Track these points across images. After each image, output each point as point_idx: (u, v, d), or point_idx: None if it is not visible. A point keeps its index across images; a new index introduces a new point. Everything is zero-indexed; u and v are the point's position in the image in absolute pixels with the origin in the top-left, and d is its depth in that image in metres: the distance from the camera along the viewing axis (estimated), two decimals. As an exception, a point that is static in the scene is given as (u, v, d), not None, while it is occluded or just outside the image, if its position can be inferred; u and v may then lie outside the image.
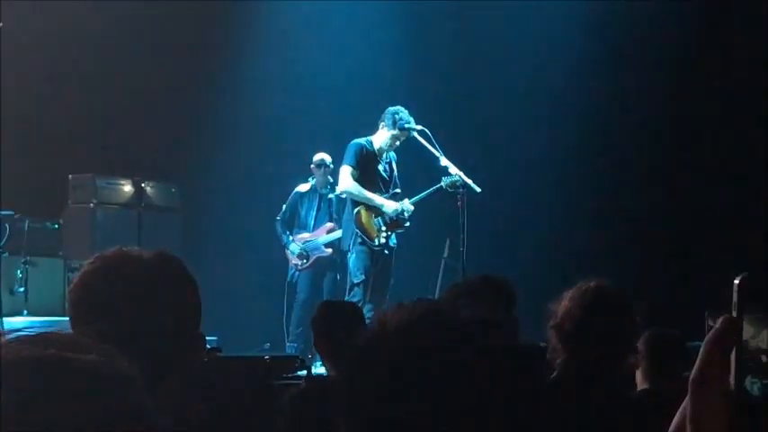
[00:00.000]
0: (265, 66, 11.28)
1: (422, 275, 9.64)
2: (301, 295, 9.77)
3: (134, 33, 10.95)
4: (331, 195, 9.76)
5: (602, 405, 3.23)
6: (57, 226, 9.89)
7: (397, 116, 8.62)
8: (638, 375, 4.23)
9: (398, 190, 8.87)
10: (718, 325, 1.10)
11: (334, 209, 9.77)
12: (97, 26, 10.89)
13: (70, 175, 10.26)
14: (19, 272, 9.33)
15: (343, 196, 9.14)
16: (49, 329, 1.15)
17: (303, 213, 9.88)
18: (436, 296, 7.38)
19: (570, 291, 3.30)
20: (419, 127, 8.58)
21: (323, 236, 9.76)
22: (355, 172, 8.66)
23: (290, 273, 9.87)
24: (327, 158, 9.73)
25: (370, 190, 8.71)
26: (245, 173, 11.15)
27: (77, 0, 10.69)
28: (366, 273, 8.56)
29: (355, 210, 8.72)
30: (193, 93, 11.18)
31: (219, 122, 11.21)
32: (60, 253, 9.74)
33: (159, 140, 10.99)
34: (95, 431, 1.05)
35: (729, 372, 1.07)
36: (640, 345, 3.96)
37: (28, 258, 9.39)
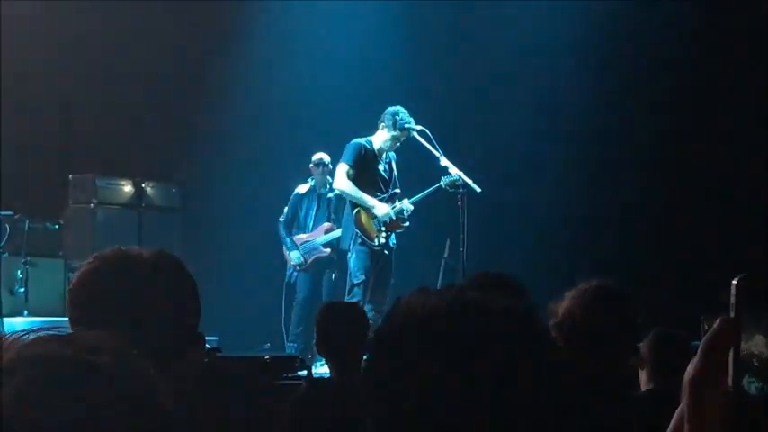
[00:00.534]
0: (266, 66, 11.28)
1: (422, 276, 9.64)
2: (300, 295, 9.77)
3: (135, 33, 10.95)
4: (330, 195, 9.76)
5: (603, 405, 3.23)
6: (57, 226, 9.89)
7: (396, 116, 8.62)
8: (642, 376, 4.23)
9: (398, 190, 8.87)
10: (715, 325, 1.10)
11: (333, 208, 9.77)
12: (98, 26, 10.89)
13: (70, 176, 10.26)
14: (19, 272, 9.33)
15: (337, 193, 9.15)
16: (59, 329, 1.15)
17: (302, 214, 9.88)
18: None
19: (571, 290, 3.31)
20: (419, 127, 8.57)
21: (321, 236, 9.76)
22: (351, 171, 8.65)
23: (289, 273, 9.87)
24: (326, 158, 9.72)
25: (369, 190, 8.70)
26: (245, 174, 11.15)
27: (82, 0, 10.69)
28: (366, 273, 8.56)
29: (355, 210, 8.72)
30: (194, 93, 11.17)
31: (220, 123, 11.21)
32: (60, 253, 9.74)
33: (160, 141, 10.99)
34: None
35: (727, 372, 1.08)
36: (644, 345, 3.96)
37: (28, 259, 9.38)
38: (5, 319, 8.60)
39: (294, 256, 9.76)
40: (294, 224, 9.89)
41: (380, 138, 8.73)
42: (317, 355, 9.17)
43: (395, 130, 8.61)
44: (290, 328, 9.72)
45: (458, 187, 8.36)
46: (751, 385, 1.06)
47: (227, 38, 11.36)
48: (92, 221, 9.98)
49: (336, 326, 4.43)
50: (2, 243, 9.29)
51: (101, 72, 10.96)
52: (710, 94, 10.18)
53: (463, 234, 8.25)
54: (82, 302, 2.05)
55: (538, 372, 1.25)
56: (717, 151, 10.06)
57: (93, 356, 1.08)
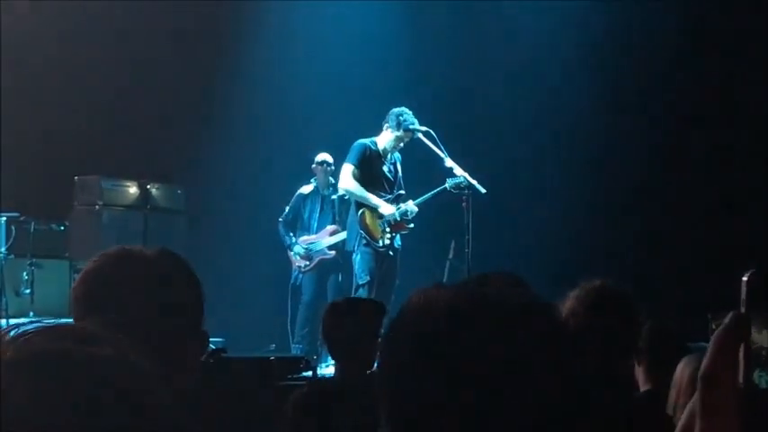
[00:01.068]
0: (270, 67, 11.29)
1: (427, 277, 9.63)
2: (306, 297, 9.77)
3: (140, 35, 10.96)
4: (334, 196, 9.76)
5: (606, 406, 3.23)
6: (63, 228, 9.90)
7: (400, 117, 8.62)
8: (639, 373, 4.22)
9: (402, 191, 8.87)
10: (726, 320, 1.10)
11: (337, 210, 9.76)
12: (103, 27, 10.90)
13: (76, 177, 10.27)
14: (25, 273, 9.34)
15: (346, 196, 9.15)
16: (60, 321, 1.14)
17: (306, 215, 9.88)
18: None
19: (575, 290, 3.30)
20: (424, 128, 8.57)
21: (326, 238, 9.76)
22: (356, 171, 8.66)
23: (294, 275, 9.88)
24: (329, 158, 9.73)
25: (374, 190, 8.71)
26: (250, 175, 11.16)
27: (83, 0, 10.70)
28: (371, 274, 8.56)
29: (359, 211, 8.72)
30: (199, 95, 11.18)
31: (225, 125, 11.22)
32: (66, 254, 9.74)
33: (165, 142, 10.99)
34: (111, 429, 1.04)
35: (738, 366, 1.08)
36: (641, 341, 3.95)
37: (34, 260, 9.39)
38: (11, 321, 8.60)
39: (296, 250, 9.77)
40: (295, 224, 9.89)
41: (385, 138, 8.74)
42: (323, 356, 9.21)
43: (399, 130, 8.62)
44: (296, 329, 9.72)
45: (463, 189, 8.35)
46: (761, 379, 1.06)
47: (232, 39, 11.37)
48: (97, 223, 9.98)
49: (341, 326, 4.42)
50: (8, 244, 9.30)
51: (106, 73, 10.97)
52: (713, 92, 10.17)
53: (468, 235, 8.24)
54: (85, 301, 2.05)
55: (557, 366, 1.24)
56: (722, 151, 10.05)
57: (94, 348, 1.08)
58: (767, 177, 9.17)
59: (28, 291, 9.31)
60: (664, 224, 10.35)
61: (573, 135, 10.61)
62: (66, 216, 10.09)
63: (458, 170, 8.39)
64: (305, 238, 9.82)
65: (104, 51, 10.97)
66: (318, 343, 9.62)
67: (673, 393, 3.95)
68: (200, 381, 2.16)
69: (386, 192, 8.77)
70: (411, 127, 8.57)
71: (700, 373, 1.10)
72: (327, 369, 7.91)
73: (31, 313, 9.14)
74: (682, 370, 3.98)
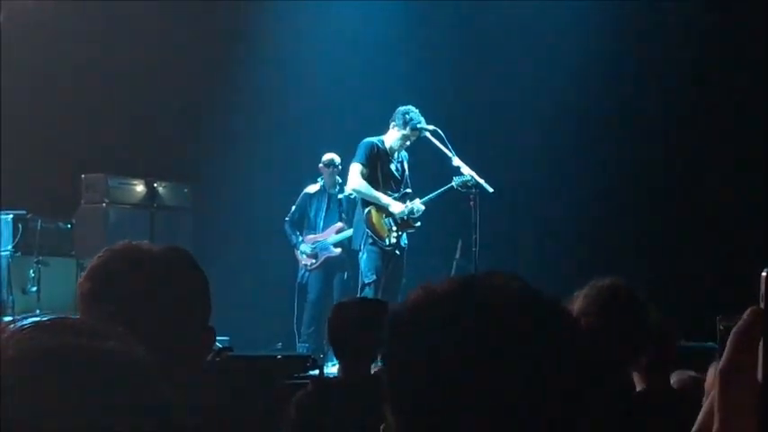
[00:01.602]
0: (277, 66, 11.29)
1: (434, 276, 9.62)
2: (312, 295, 9.78)
3: (147, 33, 10.96)
4: (340, 195, 9.76)
5: (613, 406, 3.22)
6: (69, 226, 9.92)
7: (407, 116, 8.61)
8: (636, 375, 4.21)
9: (409, 190, 8.86)
10: (745, 316, 1.09)
11: (344, 209, 9.77)
12: (111, 26, 10.92)
13: (83, 175, 10.28)
14: (31, 271, 9.36)
15: (352, 196, 9.15)
16: (62, 315, 1.13)
17: (312, 214, 9.88)
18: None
19: (583, 290, 3.28)
20: (431, 127, 8.56)
21: (332, 236, 9.77)
22: (365, 170, 8.65)
23: (300, 273, 9.88)
24: (336, 158, 9.73)
25: (381, 189, 8.70)
26: (256, 174, 11.16)
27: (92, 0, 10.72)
28: (377, 273, 8.56)
29: (366, 210, 8.71)
30: (206, 93, 11.19)
31: (232, 123, 11.23)
32: (73, 253, 9.76)
33: (172, 141, 11.01)
34: (116, 426, 1.03)
35: (757, 363, 1.06)
36: None
37: (40, 258, 9.41)
38: (18, 319, 8.60)
39: (303, 248, 9.78)
40: (301, 224, 9.90)
41: (391, 137, 8.73)
42: (329, 355, 9.21)
43: (405, 129, 8.60)
44: (302, 328, 9.73)
45: (470, 187, 8.34)
46: None
47: (239, 37, 11.38)
48: (104, 221, 9.99)
49: (347, 325, 4.41)
50: (14, 242, 9.31)
51: (113, 72, 10.98)
52: (718, 93, 10.15)
53: (476, 234, 8.23)
54: (91, 296, 2.04)
55: (561, 359, 1.22)
56: (729, 150, 10.03)
57: (97, 342, 1.06)
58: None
59: (34, 289, 9.33)
60: (673, 224, 10.33)
61: (581, 134, 10.60)
62: (72, 214, 10.10)
63: (465, 169, 8.38)
64: (311, 236, 9.83)
65: (111, 49, 10.99)
66: (324, 342, 9.62)
67: (708, 398, 3.92)
68: (206, 378, 2.15)
69: (393, 190, 8.77)
70: (418, 126, 8.56)
71: (718, 370, 1.08)
72: (334, 368, 7.90)
73: (38, 311, 9.10)
74: (712, 374, 3.96)
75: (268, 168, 11.05)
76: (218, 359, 6.40)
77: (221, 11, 11.23)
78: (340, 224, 9.77)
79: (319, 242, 9.79)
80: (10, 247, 9.30)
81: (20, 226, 9.36)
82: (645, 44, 10.57)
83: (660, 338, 4.25)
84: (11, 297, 9.15)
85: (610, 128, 10.60)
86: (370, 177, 8.67)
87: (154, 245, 2.13)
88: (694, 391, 3.75)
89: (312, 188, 9.92)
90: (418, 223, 8.79)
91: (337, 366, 6.41)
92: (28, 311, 8.98)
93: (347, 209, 9.67)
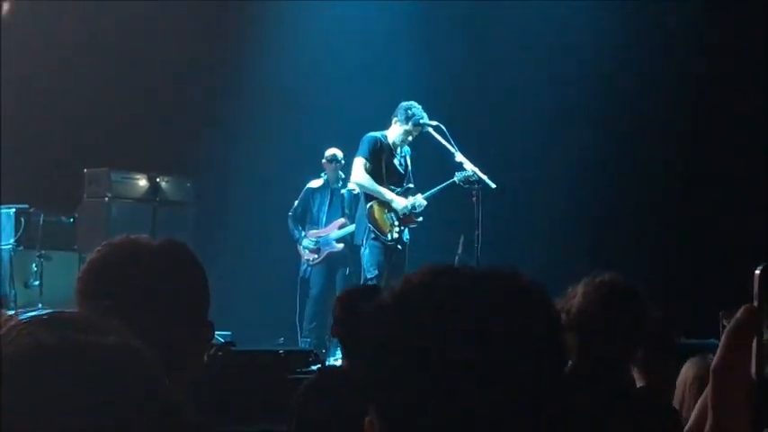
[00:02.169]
0: (280, 62, 11.28)
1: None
2: (314, 290, 9.78)
3: (150, 28, 10.96)
4: (343, 191, 9.76)
5: (613, 402, 3.22)
6: (72, 220, 9.93)
7: (409, 111, 8.60)
8: (635, 371, 4.21)
9: (411, 185, 8.85)
10: (738, 314, 1.09)
11: (347, 204, 9.76)
12: (113, 21, 10.91)
13: (85, 170, 10.29)
14: (34, 265, 9.37)
15: (355, 191, 9.14)
16: (61, 310, 1.13)
17: (315, 209, 9.88)
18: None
19: (581, 287, 3.27)
20: (434, 122, 8.55)
21: (334, 231, 9.77)
22: (368, 164, 8.65)
23: (303, 268, 9.88)
24: (339, 154, 9.72)
25: (384, 183, 8.70)
26: (259, 168, 11.16)
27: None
28: (379, 268, 8.55)
29: (368, 204, 8.71)
30: (208, 88, 11.19)
31: (234, 118, 11.22)
32: (75, 247, 9.77)
33: (174, 135, 11.00)
34: (115, 419, 1.03)
35: (750, 360, 1.07)
36: None
37: (43, 252, 9.42)
38: (20, 311, 8.63)
39: (305, 243, 9.78)
40: (304, 218, 9.90)
41: (394, 132, 8.72)
42: (331, 350, 9.21)
43: (407, 124, 8.60)
44: (304, 323, 9.73)
45: (472, 183, 8.33)
46: None
47: (242, 32, 11.37)
48: (106, 215, 10.00)
49: (351, 312, 4.40)
50: (17, 236, 9.32)
51: (116, 66, 10.98)
52: (723, 90, 10.14)
53: (478, 230, 8.22)
54: (89, 290, 2.04)
55: (541, 351, 1.21)
56: (730, 148, 10.02)
57: (95, 337, 1.06)
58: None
59: (37, 282, 9.34)
60: (675, 219, 10.33)
61: (584, 131, 10.58)
62: (75, 208, 10.11)
63: (468, 165, 8.37)
64: (314, 231, 9.83)
65: (115, 44, 10.98)
66: (327, 337, 9.63)
67: (678, 393, 3.94)
68: (206, 372, 2.16)
69: (396, 185, 8.76)
70: (421, 121, 8.56)
71: (711, 367, 1.09)
72: (336, 362, 7.91)
73: (40, 305, 9.16)
74: (686, 371, 3.97)
75: (271, 163, 11.05)
76: (220, 354, 6.41)
77: (224, 6, 11.22)
78: (343, 219, 9.77)
79: (322, 237, 9.79)
80: (12, 241, 9.31)
81: (22, 220, 9.37)
82: (648, 41, 10.56)
83: (659, 335, 4.26)
84: (13, 291, 9.17)
85: (612, 125, 10.59)
86: (373, 172, 8.67)
87: (152, 239, 2.13)
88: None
89: (315, 183, 9.92)
90: (420, 218, 8.79)
91: (339, 361, 6.41)
92: (30, 305, 9.02)
93: (350, 204, 9.67)
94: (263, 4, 11.39)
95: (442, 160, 8.58)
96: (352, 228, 9.36)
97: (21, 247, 9.34)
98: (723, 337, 1.09)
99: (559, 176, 10.68)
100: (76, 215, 10.00)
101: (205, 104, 11.20)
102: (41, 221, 9.49)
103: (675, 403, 3.83)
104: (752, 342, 1.07)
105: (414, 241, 8.87)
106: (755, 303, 1.08)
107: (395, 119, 8.69)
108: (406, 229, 8.75)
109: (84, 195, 10.24)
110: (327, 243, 9.77)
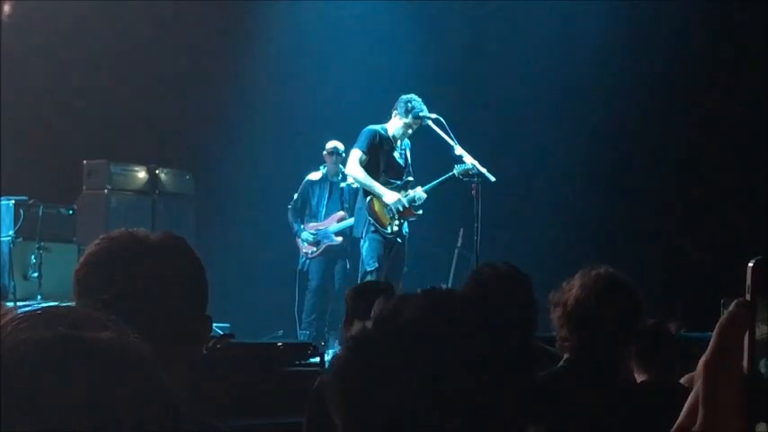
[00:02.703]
0: (280, 54, 11.27)
1: (435, 265, 9.63)
2: (313, 283, 9.78)
3: (150, 21, 10.95)
4: (343, 184, 9.76)
5: (613, 393, 3.22)
6: (71, 212, 9.92)
7: (409, 104, 8.60)
8: (635, 366, 4.21)
9: (411, 178, 8.85)
10: (731, 308, 1.09)
11: (346, 197, 9.76)
12: (112, 13, 10.90)
13: (85, 161, 10.29)
14: (33, 257, 9.36)
15: (354, 185, 9.14)
16: (57, 304, 1.13)
17: (314, 202, 9.88)
18: (449, 285, 7.37)
19: (576, 280, 3.27)
20: (434, 115, 8.54)
21: (333, 224, 9.76)
22: (364, 157, 8.64)
23: (301, 261, 9.88)
24: (340, 146, 9.71)
25: (384, 177, 8.69)
26: (259, 161, 11.15)
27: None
28: (379, 261, 8.55)
29: (368, 198, 8.71)
30: (209, 80, 11.18)
31: (234, 110, 11.21)
32: (74, 239, 9.76)
33: (174, 127, 11.00)
34: (113, 415, 1.03)
35: (743, 354, 1.07)
36: None
37: (42, 244, 9.41)
38: (19, 304, 8.63)
39: (304, 236, 9.78)
40: (303, 211, 9.89)
41: (394, 125, 8.72)
42: (330, 343, 9.21)
43: (407, 117, 8.59)
44: (303, 315, 9.73)
45: (472, 176, 8.33)
46: (767, 368, 1.05)
47: (242, 25, 11.36)
48: (105, 207, 10.00)
49: (367, 303, 4.39)
50: (16, 228, 9.32)
51: (116, 58, 10.97)
52: (725, 84, 10.14)
53: (477, 223, 8.22)
54: (87, 283, 2.04)
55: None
56: (730, 146, 10.02)
57: (91, 333, 1.06)
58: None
59: (36, 274, 9.33)
60: (676, 210, 10.33)
61: (584, 123, 10.58)
62: (74, 200, 10.11)
63: (467, 158, 8.37)
64: (313, 224, 9.82)
65: (116, 37, 10.97)
66: (326, 329, 9.64)
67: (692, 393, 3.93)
68: (205, 365, 2.15)
69: (395, 178, 8.76)
70: (420, 114, 8.55)
71: (703, 361, 1.09)
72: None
73: (39, 297, 9.16)
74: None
75: (270, 155, 11.04)
76: (219, 346, 6.41)
77: (225, 2, 11.21)
78: (342, 213, 9.76)
79: (321, 230, 9.79)
80: (11, 233, 9.30)
81: (21, 211, 9.37)
82: (652, 39, 10.56)
83: (657, 329, 4.27)
84: (12, 283, 9.16)
85: (612, 117, 10.59)
86: (372, 165, 8.66)
87: (150, 232, 2.13)
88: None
89: (314, 176, 9.91)
90: (420, 211, 8.78)
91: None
92: (29, 297, 9.01)
93: (349, 198, 9.66)
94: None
95: (441, 153, 8.57)
96: (351, 221, 9.36)
97: (20, 239, 9.33)
98: (715, 331, 1.09)
99: (559, 169, 10.68)
100: (76, 207, 9.99)
101: (205, 96, 11.19)
102: (41, 213, 9.48)
103: (689, 399, 3.82)
104: (744, 336, 1.07)
105: (413, 234, 8.87)
106: (748, 297, 1.08)
107: (395, 112, 8.69)
108: (406, 223, 8.75)
109: (84, 187, 10.24)
110: (326, 236, 9.77)
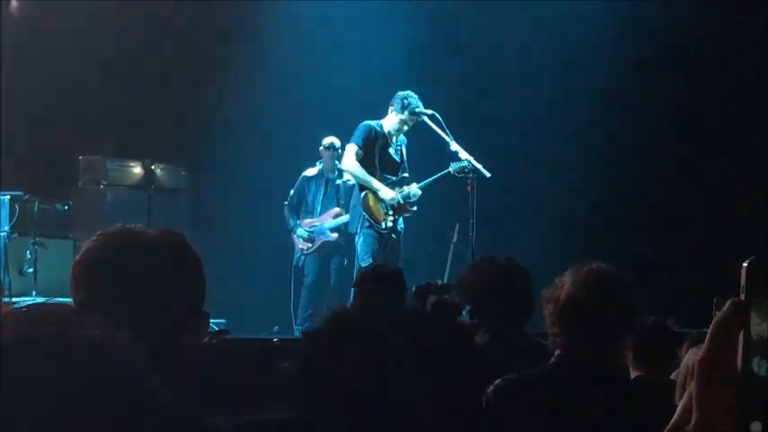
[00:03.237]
0: (276, 49, 11.25)
1: (430, 261, 9.63)
2: (309, 278, 9.78)
3: (147, 16, 10.92)
4: (339, 181, 9.76)
5: (606, 390, 3.22)
6: (66, 207, 9.90)
7: (405, 100, 8.61)
8: (630, 362, 4.22)
9: (406, 174, 8.86)
10: (725, 307, 1.09)
11: (342, 194, 9.76)
12: (110, 7, 10.87)
13: (80, 157, 10.26)
14: (28, 252, 9.35)
15: (350, 181, 9.15)
16: (46, 302, 1.13)
17: (310, 198, 9.88)
18: (445, 281, 7.37)
19: (568, 276, 3.26)
20: (429, 111, 8.55)
21: (329, 221, 9.77)
22: (360, 152, 8.66)
23: (296, 257, 9.88)
24: (337, 142, 9.71)
25: (379, 173, 8.70)
26: (255, 156, 11.14)
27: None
28: (374, 256, 8.56)
29: (363, 193, 8.72)
30: (205, 76, 11.16)
31: (230, 105, 11.19)
32: (70, 234, 9.74)
33: (170, 123, 10.97)
34: (101, 412, 1.03)
35: (736, 354, 1.07)
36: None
37: (37, 239, 9.40)
38: (14, 300, 8.62)
39: (300, 233, 9.78)
40: (300, 207, 9.89)
41: (390, 121, 8.73)
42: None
43: (403, 113, 8.61)
44: (298, 311, 9.73)
45: (467, 172, 8.34)
46: (761, 368, 1.05)
47: (239, 20, 11.33)
48: (101, 202, 9.98)
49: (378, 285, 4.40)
50: (11, 223, 9.31)
51: (112, 53, 10.94)
52: (725, 84, 10.15)
53: (473, 219, 8.24)
54: (84, 279, 2.04)
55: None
56: (729, 145, 10.04)
57: (80, 331, 1.06)
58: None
59: (31, 270, 9.32)
60: (671, 209, 10.34)
61: (579, 120, 10.59)
62: (70, 195, 10.09)
63: (463, 154, 8.38)
64: (308, 220, 9.83)
65: (111, 32, 10.95)
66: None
67: (680, 380, 3.94)
68: (200, 361, 2.15)
69: (391, 174, 8.77)
70: (416, 110, 8.56)
71: (697, 360, 1.09)
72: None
73: (34, 292, 9.16)
74: (690, 357, 3.97)
75: (266, 151, 11.03)
76: (214, 342, 6.41)
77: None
78: (337, 209, 9.76)
79: (316, 226, 9.79)
80: (7, 228, 9.29)
81: (17, 207, 9.35)
82: (654, 37, 10.56)
83: (650, 325, 4.28)
84: (7, 278, 9.15)
85: (610, 113, 10.59)
86: (367, 160, 8.67)
87: (148, 228, 2.12)
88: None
89: (310, 172, 9.92)
90: (415, 207, 8.79)
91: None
92: (25, 293, 9.00)
93: (344, 195, 9.67)
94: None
95: (436, 149, 8.58)
96: (346, 218, 9.37)
97: (15, 235, 9.32)
98: (709, 331, 1.09)
99: (555, 165, 10.68)
100: (71, 202, 9.98)
101: (200, 92, 11.16)
102: (36, 208, 9.47)
103: (678, 387, 3.83)
104: (738, 336, 1.07)
105: (408, 230, 8.88)
106: (742, 297, 1.08)
107: (391, 108, 8.70)
108: (401, 218, 8.76)
109: (80, 183, 10.22)
110: (322, 232, 9.77)
